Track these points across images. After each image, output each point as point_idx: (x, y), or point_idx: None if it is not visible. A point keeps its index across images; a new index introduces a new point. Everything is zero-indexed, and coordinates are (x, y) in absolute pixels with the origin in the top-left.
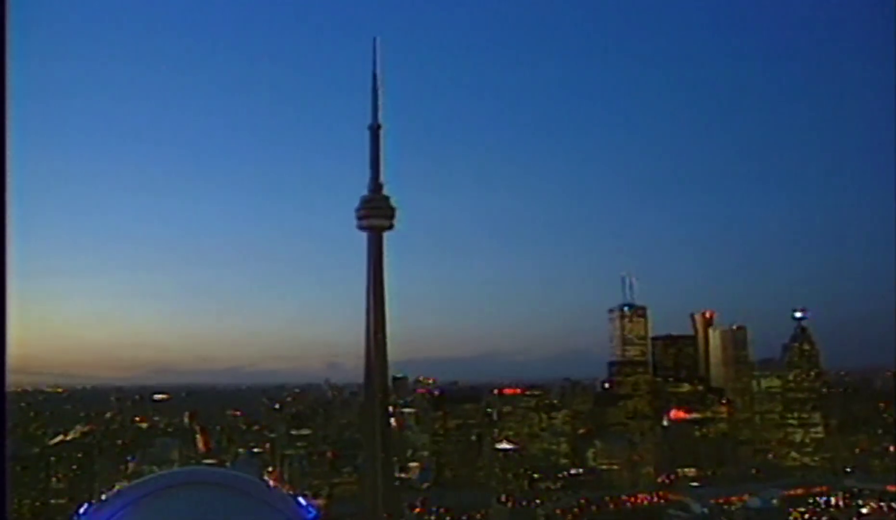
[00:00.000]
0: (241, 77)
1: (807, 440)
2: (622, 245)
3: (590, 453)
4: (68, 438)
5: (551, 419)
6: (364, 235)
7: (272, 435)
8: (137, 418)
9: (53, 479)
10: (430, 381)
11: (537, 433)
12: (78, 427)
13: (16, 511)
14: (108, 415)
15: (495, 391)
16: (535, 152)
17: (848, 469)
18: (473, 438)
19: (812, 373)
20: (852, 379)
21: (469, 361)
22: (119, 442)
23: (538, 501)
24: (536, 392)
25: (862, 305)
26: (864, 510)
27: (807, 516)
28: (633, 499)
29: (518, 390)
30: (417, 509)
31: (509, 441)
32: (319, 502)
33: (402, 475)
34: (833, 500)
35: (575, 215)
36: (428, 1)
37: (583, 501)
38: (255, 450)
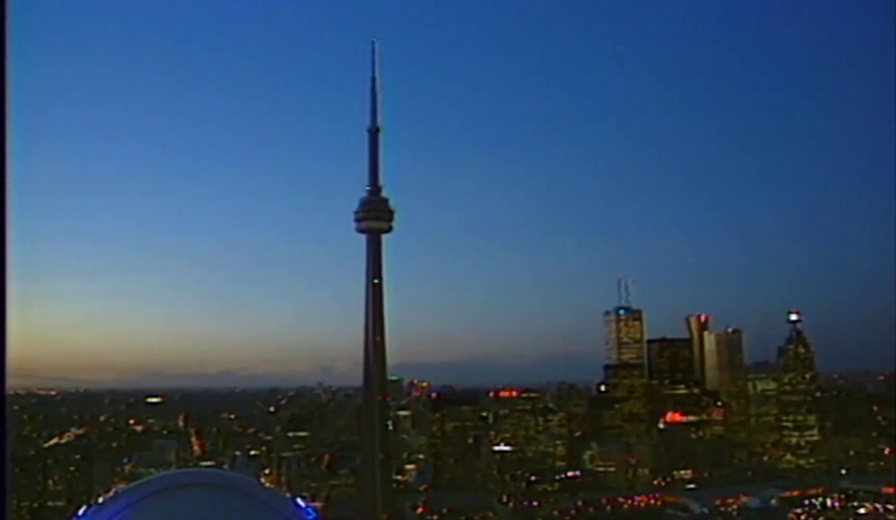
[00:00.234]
0: (239, 79)
1: (802, 443)
2: (618, 248)
3: (586, 456)
4: (63, 441)
5: (547, 422)
6: (362, 238)
7: (268, 438)
8: (132, 421)
9: (50, 481)
10: (425, 384)
11: (533, 436)
12: (72, 430)
13: (14, 513)
14: (102, 418)
15: (491, 394)
16: (532, 155)
17: (843, 471)
18: (470, 440)
19: (807, 376)
20: (845, 383)
21: (464, 364)
22: (114, 445)
23: (536, 502)
24: (532, 395)
25: (854, 309)
26: (861, 511)
27: (803, 517)
28: (630, 501)
29: (514, 393)
30: (420, 510)
31: (507, 443)
32: (318, 504)
33: (399, 477)
34: (829, 501)
35: (571, 219)
36: (427, 4)
37: (580, 503)
38: (252, 453)
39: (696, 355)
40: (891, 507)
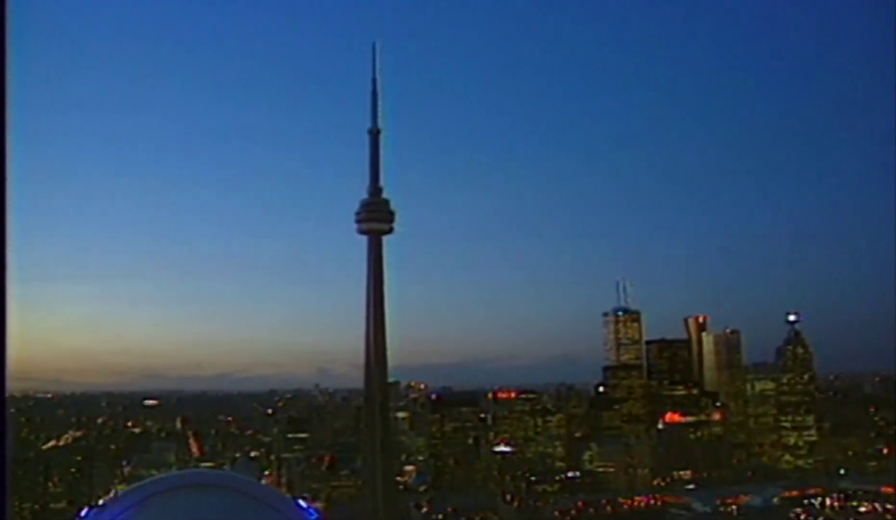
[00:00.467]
0: (239, 81)
1: (800, 443)
2: (616, 250)
3: (586, 457)
4: (61, 443)
5: (546, 423)
6: (362, 239)
7: (266, 440)
8: (130, 423)
9: (50, 483)
10: (422, 386)
11: (532, 437)
12: (70, 432)
13: (17, 514)
14: (99, 420)
15: (490, 395)
16: (532, 157)
17: (842, 471)
18: (470, 441)
19: (805, 376)
20: (842, 383)
21: (462, 365)
22: (112, 447)
23: (540, 503)
24: (531, 396)
25: (849, 310)
26: (862, 509)
27: (803, 517)
28: (630, 501)
29: (513, 394)
30: (426, 509)
31: (506, 444)
32: (318, 505)
33: (398, 479)
34: (828, 501)
35: (570, 220)
36: (427, 6)
37: (580, 503)
38: (252, 454)
39: (694, 356)
40: (890, 506)
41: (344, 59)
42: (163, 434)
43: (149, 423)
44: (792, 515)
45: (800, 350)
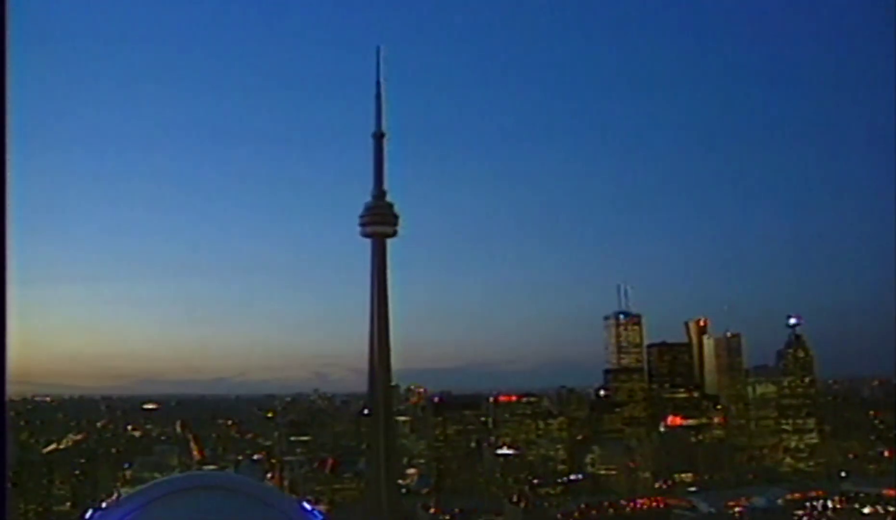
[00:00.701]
0: (243, 84)
1: (801, 446)
2: (617, 253)
3: (588, 459)
4: (62, 446)
5: (548, 426)
6: (364, 242)
7: (267, 443)
8: (129, 427)
9: (53, 486)
10: (422, 389)
11: (534, 440)
12: (70, 436)
13: (22, 516)
14: (99, 424)
15: (491, 399)
16: (534, 162)
17: (843, 474)
18: (472, 444)
19: (806, 380)
20: (841, 387)
21: (463, 369)
22: (113, 450)
23: (546, 504)
24: (532, 399)
25: (852, 314)
26: (865, 511)
27: (806, 519)
28: (632, 504)
29: (514, 398)
30: (433, 510)
31: (508, 447)
32: (322, 507)
33: (400, 482)
34: (830, 504)
35: (571, 224)
36: (432, 10)
37: (583, 505)
38: (254, 457)
39: (695, 359)
40: (892, 509)
41: (348, 63)
42: (163, 438)
43: (148, 426)
44: (795, 517)
45: (800, 354)
